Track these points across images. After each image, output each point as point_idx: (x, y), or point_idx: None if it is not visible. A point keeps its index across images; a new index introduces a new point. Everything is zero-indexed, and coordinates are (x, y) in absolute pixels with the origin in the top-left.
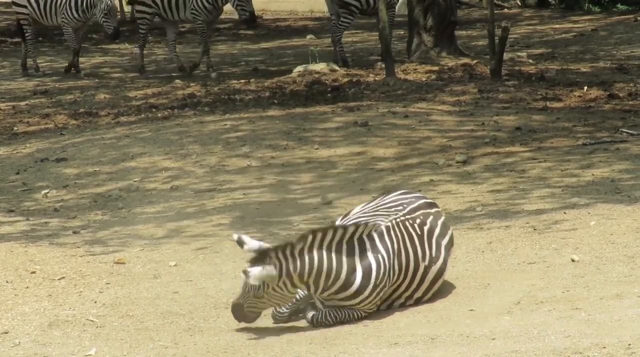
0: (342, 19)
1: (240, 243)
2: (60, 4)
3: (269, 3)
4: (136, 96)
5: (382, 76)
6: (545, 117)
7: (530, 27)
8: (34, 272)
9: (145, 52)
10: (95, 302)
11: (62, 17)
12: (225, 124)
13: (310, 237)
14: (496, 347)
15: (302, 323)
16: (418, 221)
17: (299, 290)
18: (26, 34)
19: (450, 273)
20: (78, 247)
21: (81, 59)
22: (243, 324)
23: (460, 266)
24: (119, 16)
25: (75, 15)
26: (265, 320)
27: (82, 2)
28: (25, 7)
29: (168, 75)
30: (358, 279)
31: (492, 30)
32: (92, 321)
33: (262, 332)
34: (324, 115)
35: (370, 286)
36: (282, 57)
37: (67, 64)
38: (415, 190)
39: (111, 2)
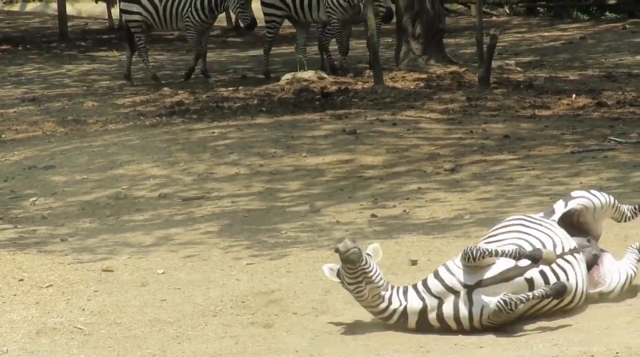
0: (329, 26)
1: None
2: (184, 6)
3: (258, 10)
4: (124, 104)
5: (370, 84)
6: (534, 125)
7: (518, 35)
8: (21, 280)
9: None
10: (83, 309)
11: (187, 21)
12: (214, 132)
13: None
14: (484, 355)
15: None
16: None
17: None
18: (138, 42)
19: None
20: (66, 255)
21: (68, 67)
22: (230, 333)
23: None
24: (107, 24)
25: (202, 16)
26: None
27: (208, 2)
28: (139, 13)
29: (156, 82)
30: None
31: (480, 38)
32: (80, 328)
33: (250, 341)
34: (312, 123)
35: None
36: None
37: (186, 71)
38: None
39: None
